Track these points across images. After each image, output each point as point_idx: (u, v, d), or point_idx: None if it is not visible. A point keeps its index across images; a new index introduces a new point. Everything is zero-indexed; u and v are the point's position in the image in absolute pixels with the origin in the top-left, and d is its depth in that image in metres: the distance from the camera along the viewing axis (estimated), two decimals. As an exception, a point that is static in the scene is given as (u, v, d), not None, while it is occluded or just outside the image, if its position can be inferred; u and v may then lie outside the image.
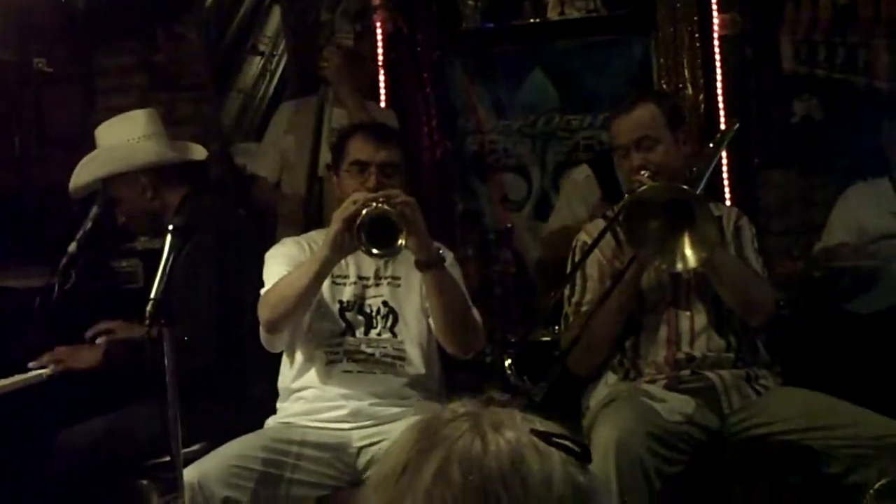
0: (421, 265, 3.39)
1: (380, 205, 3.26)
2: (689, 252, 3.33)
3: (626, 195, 3.56)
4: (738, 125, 4.15)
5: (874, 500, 3.06)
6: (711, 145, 3.89)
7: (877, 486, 3.07)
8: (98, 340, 3.93)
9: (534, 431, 1.25)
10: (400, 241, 3.24)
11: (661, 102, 3.70)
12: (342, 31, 4.95)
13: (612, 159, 4.65)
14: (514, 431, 1.24)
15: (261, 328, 3.44)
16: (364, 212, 3.25)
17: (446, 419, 1.28)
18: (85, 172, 3.97)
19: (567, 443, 1.25)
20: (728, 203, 4.82)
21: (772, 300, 3.64)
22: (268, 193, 4.98)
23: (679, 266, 3.37)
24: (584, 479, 1.24)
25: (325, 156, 4.55)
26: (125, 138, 3.97)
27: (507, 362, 3.32)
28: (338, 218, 3.29)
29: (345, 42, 4.86)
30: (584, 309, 3.64)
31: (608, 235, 3.67)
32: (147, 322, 2.81)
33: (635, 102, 3.65)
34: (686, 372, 3.56)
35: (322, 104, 4.70)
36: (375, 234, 3.25)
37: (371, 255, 3.31)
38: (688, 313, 3.61)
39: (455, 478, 1.20)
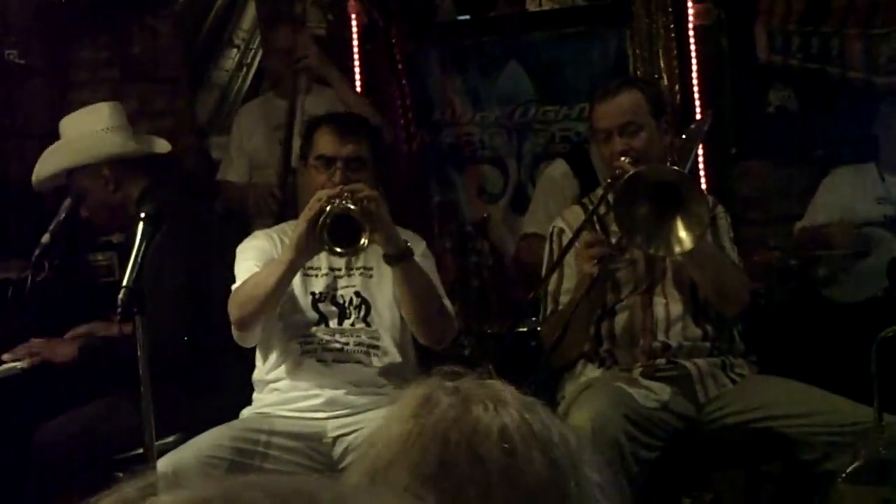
0: (389, 258, 3.38)
1: (342, 203, 3.24)
2: (683, 234, 3.32)
3: (608, 180, 3.56)
4: (709, 120, 4.16)
5: (846, 484, 3.08)
6: (684, 136, 3.88)
7: (849, 469, 3.09)
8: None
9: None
10: (363, 240, 3.24)
11: (645, 90, 3.70)
12: (314, 21, 4.95)
13: (587, 151, 4.69)
14: (510, 396, 1.24)
15: (232, 326, 3.44)
16: (327, 209, 3.24)
17: (437, 397, 1.25)
18: (48, 164, 3.97)
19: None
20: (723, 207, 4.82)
21: (747, 291, 3.65)
22: (237, 194, 4.97)
23: (676, 249, 3.35)
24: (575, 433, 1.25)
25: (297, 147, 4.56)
26: (88, 130, 3.96)
27: (490, 368, 3.31)
28: (303, 219, 3.29)
29: (317, 32, 4.85)
30: (562, 297, 3.64)
31: (578, 210, 3.67)
32: (119, 311, 2.80)
33: (619, 88, 3.65)
34: (662, 360, 3.56)
35: (294, 95, 4.70)
36: (339, 233, 3.25)
37: (335, 254, 3.32)
38: (664, 302, 3.61)
39: (473, 447, 1.18)
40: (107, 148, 3.92)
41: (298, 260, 3.35)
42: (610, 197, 3.54)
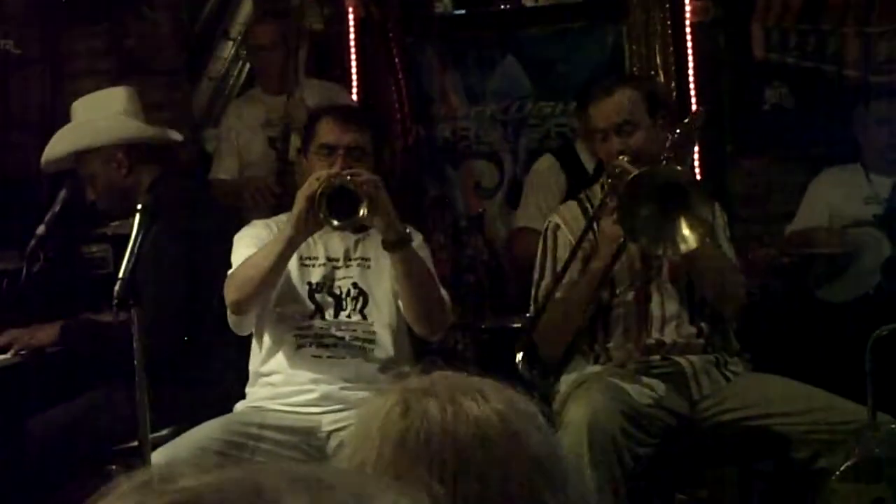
0: (388, 244, 3.38)
1: (342, 178, 3.27)
2: (687, 233, 3.31)
3: (608, 179, 3.56)
4: (703, 116, 4.15)
5: (839, 482, 3.09)
6: (677, 132, 3.87)
7: (842, 468, 3.10)
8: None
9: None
10: (361, 212, 3.24)
11: (641, 87, 3.70)
12: (311, 16, 4.95)
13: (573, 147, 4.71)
14: (497, 393, 1.27)
15: (228, 310, 3.43)
16: (325, 185, 3.25)
17: (419, 390, 1.27)
18: (62, 144, 3.94)
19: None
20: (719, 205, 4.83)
21: (744, 290, 3.66)
22: (230, 190, 4.97)
23: (682, 248, 3.34)
24: (556, 440, 1.29)
25: (295, 141, 4.57)
26: (105, 113, 3.96)
27: (520, 355, 3.33)
28: (301, 196, 3.30)
29: (315, 26, 4.85)
30: (555, 294, 3.63)
31: (580, 217, 3.67)
32: (115, 302, 2.80)
33: (614, 86, 3.64)
34: (656, 357, 3.57)
35: (293, 89, 4.71)
36: (336, 205, 3.25)
37: (332, 226, 3.32)
38: (659, 299, 3.61)
39: (465, 437, 1.22)
40: (125, 131, 3.91)
41: (297, 237, 3.34)
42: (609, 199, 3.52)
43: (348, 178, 3.28)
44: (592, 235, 3.60)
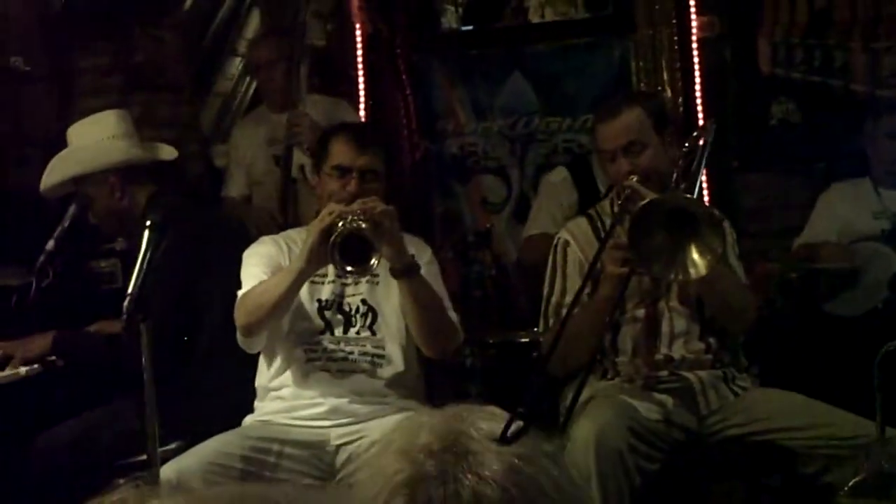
0: (395, 272, 3.39)
1: (356, 220, 3.24)
2: (697, 258, 3.26)
3: (618, 201, 3.53)
4: (712, 131, 4.14)
5: (847, 497, 3.08)
6: (686, 146, 3.86)
7: (851, 483, 3.08)
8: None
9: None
10: (374, 261, 3.23)
11: (647, 105, 3.66)
12: (313, 32, 4.96)
13: (589, 161, 4.69)
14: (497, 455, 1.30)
15: (237, 331, 3.44)
16: (339, 226, 3.23)
17: (424, 454, 1.31)
18: (55, 172, 3.98)
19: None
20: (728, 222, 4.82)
21: (754, 308, 3.65)
22: (239, 209, 4.99)
23: (692, 274, 3.30)
24: (567, 480, 1.32)
25: (298, 158, 4.59)
26: (95, 138, 3.98)
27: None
28: (314, 230, 3.29)
29: (317, 43, 4.87)
30: (564, 310, 3.62)
31: (589, 233, 3.66)
32: (125, 318, 2.81)
33: (620, 106, 3.61)
34: (664, 372, 3.56)
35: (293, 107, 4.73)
36: (350, 252, 3.24)
37: (345, 273, 3.31)
38: (668, 316, 3.60)
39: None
40: (112, 155, 3.93)
41: (308, 269, 3.35)
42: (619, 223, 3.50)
43: (361, 223, 3.25)
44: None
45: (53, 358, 3.81)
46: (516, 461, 1.30)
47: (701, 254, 3.25)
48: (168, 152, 4.12)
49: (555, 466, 1.32)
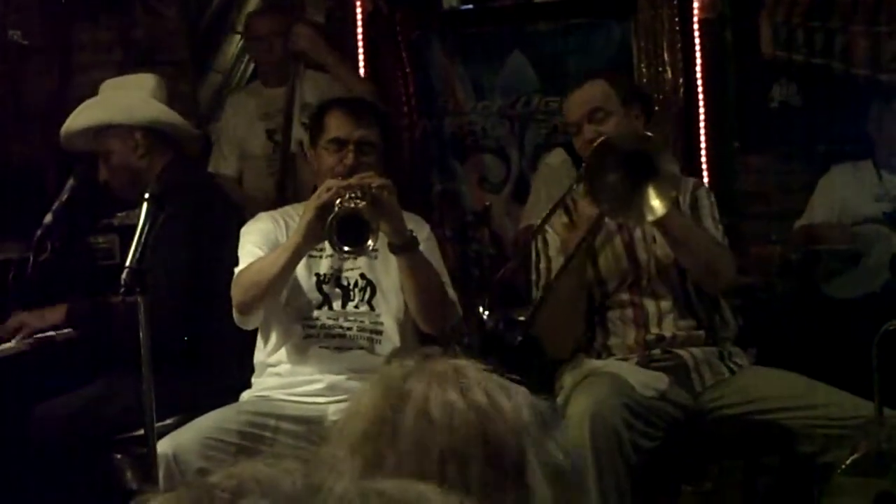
0: (394, 248, 3.38)
1: (354, 198, 3.23)
2: (655, 202, 3.29)
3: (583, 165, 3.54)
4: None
5: (844, 476, 3.08)
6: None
7: (847, 461, 3.09)
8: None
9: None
10: (370, 242, 3.22)
11: (613, 79, 3.69)
12: (312, 8, 4.95)
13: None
14: (475, 373, 1.31)
15: (234, 309, 3.43)
16: (337, 205, 3.22)
17: (403, 374, 1.32)
18: (83, 116, 3.94)
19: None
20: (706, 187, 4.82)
21: (732, 267, 3.62)
22: (231, 186, 4.97)
23: (649, 217, 3.33)
24: (547, 408, 1.32)
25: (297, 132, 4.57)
26: (130, 93, 3.99)
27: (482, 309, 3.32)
28: (311, 206, 3.28)
29: (316, 19, 4.85)
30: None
31: (560, 212, 3.66)
32: (122, 290, 2.80)
33: (585, 80, 3.67)
34: (657, 351, 3.56)
35: (293, 81, 4.70)
36: (347, 232, 3.23)
37: (342, 253, 3.31)
38: (652, 295, 3.60)
39: (438, 420, 1.26)
40: (149, 112, 3.92)
41: (304, 246, 3.35)
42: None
43: (359, 201, 3.24)
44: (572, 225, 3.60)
45: (69, 329, 3.81)
46: (499, 386, 1.31)
47: (659, 197, 3.27)
48: (193, 129, 4.12)
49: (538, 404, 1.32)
